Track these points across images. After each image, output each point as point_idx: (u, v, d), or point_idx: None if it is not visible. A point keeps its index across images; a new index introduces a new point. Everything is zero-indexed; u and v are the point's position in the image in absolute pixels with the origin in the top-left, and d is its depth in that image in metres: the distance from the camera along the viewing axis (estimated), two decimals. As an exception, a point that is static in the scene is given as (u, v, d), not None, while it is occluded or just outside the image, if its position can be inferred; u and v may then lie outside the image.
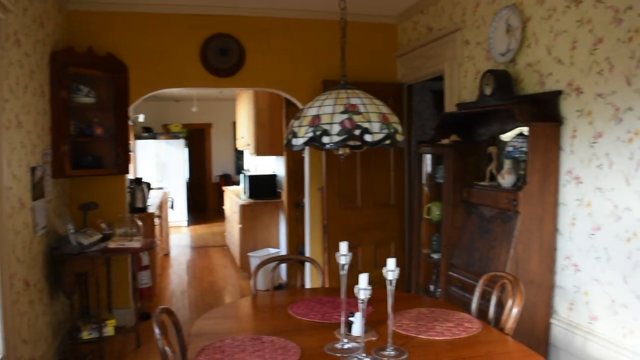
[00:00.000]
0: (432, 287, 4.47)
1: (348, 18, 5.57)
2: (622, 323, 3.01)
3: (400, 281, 5.61)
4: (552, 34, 3.49)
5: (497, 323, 2.74)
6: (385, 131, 2.18)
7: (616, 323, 3.05)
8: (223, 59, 5.41)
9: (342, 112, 2.18)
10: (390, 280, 2.17)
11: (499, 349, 2.39)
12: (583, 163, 3.25)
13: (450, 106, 4.71)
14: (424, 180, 4.50)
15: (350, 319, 2.50)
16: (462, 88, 4.63)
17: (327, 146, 2.17)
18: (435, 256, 4.35)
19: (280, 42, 5.56)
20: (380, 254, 5.55)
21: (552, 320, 3.50)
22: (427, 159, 4.43)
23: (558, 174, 3.43)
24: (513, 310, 2.62)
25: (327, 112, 2.20)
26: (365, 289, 2.09)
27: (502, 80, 3.66)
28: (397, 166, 5.75)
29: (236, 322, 2.92)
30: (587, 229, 3.24)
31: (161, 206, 8.15)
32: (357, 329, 2.43)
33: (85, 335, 4.57)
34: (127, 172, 5.18)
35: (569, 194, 3.38)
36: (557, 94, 3.42)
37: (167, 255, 9.14)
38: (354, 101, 2.23)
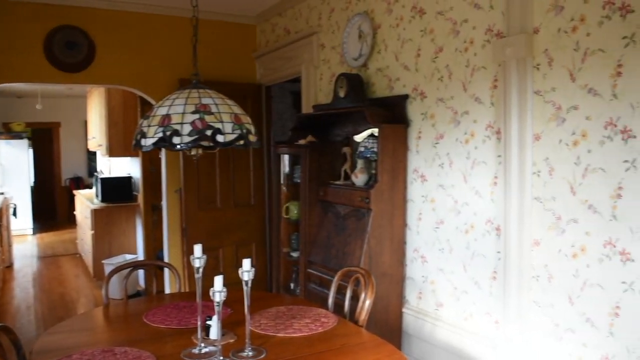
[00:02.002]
0: (292, 285, 4.54)
1: (207, 17, 5.51)
2: (463, 307, 3.29)
3: (263, 281, 5.66)
4: (400, 42, 3.72)
5: (353, 316, 2.86)
6: (238, 131, 2.17)
7: (459, 308, 3.33)
8: (70, 53, 5.04)
9: (193, 112, 2.13)
10: (246, 281, 2.16)
11: (353, 341, 2.49)
12: (427, 162, 3.51)
13: (307, 107, 4.82)
14: (282, 180, 4.56)
15: (208, 322, 2.46)
16: (319, 90, 4.76)
17: (178, 147, 2.11)
18: (295, 254, 4.43)
19: (135, 38, 5.31)
20: (242, 255, 5.49)
21: (404, 310, 3.73)
22: (285, 159, 4.50)
23: (406, 173, 3.66)
24: (366, 303, 2.75)
25: (178, 111, 2.14)
26: (220, 291, 2.06)
27: (354, 84, 3.82)
28: (257, 166, 5.77)
29: (86, 335, 2.73)
30: (432, 223, 3.49)
31: (1, 213, 7.40)
32: (214, 332, 2.39)
33: None
34: (-44, 176, 4.63)
35: (415, 191, 3.62)
36: (404, 97, 3.65)
37: (9, 267, 8.31)
38: (205, 101, 2.19)
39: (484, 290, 3.14)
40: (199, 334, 2.37)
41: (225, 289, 2.11)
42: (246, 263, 2.15)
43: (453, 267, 3.34)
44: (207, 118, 2.13)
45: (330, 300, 2.95)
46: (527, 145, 2.79)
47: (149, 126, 2.19)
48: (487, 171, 3.07)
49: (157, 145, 2.15)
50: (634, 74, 2.33)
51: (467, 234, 3.23)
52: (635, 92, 2.32)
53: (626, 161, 2.37)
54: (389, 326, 3.64)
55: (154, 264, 3.67)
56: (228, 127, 2.15)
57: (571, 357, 2.65)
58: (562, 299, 2.68)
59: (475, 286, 3.20)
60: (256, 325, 2.59)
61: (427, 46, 3.48)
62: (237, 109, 2.28)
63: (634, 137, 2.33)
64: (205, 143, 2.25)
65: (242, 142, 2.20)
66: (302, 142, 4.23)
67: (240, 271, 2.17)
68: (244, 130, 2.20)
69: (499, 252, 2.99)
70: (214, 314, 2.33)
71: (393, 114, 3.67)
